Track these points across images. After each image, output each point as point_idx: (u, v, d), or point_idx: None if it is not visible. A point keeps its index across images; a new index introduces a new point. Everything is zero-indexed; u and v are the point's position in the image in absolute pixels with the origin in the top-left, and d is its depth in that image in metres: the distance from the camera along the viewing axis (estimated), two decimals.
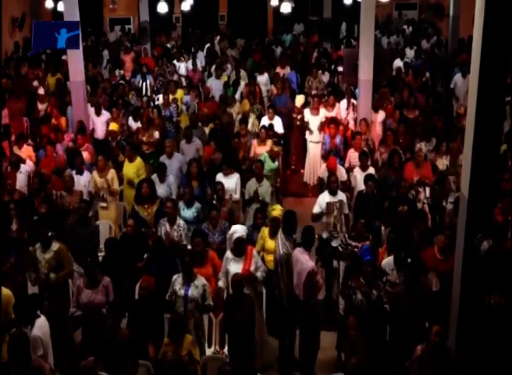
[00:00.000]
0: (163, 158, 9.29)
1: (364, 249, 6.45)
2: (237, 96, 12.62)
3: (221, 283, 6.64)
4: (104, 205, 8.66)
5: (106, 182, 8.68)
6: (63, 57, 14.15)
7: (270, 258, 6.92)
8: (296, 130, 11.26)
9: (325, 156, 10.17)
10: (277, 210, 7.20)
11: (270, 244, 7.00)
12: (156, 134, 10.31)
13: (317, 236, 7.18)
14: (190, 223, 7.77)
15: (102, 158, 8.90)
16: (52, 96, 12.23)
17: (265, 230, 7.21)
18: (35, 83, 13.37)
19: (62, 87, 12.78)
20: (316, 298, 6.52)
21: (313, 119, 10.85)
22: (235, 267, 6.51)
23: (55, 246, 6.76)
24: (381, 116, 10.74)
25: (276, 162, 9.49)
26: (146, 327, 6.04)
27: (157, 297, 6.20)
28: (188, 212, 7.92)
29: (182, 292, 6.16)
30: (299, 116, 11.13)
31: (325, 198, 7.96)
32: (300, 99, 11.42)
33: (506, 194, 7.53)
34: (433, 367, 5.46)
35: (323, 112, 10.91)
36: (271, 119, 10.85)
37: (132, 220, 7.42)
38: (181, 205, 7.98)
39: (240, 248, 6.55)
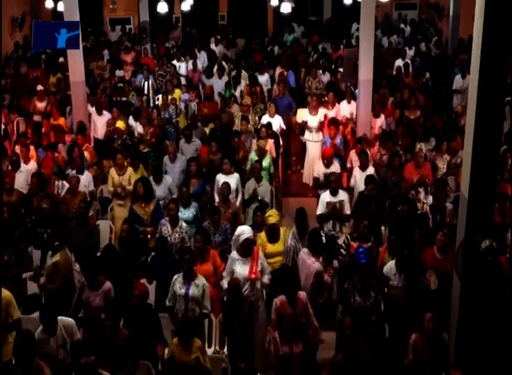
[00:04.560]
0: (166, 161, 9.22)
1: (359, 252, 6.42)
2: (237, 94, 12.63)
3: (225, 283, 6.55)
4: (122, 202, 8.57)
5: (124, 181, 8.63)
6: (60, 59, 14.18)
7: (271, 260, 6.96)
8: (296, 132, 11.28)
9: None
10: (274, 216, 7.19)
11: (270, 248, 7.06)
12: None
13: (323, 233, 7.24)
14: (189, 224, 7.76)
15: (121, 157, 8.78)
16: (52, 95, 12.23)
17: (262, 236, 7.20)
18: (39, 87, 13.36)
19: (62, 86, 12.81)
20: (325, 297, 6.56)
21: (311, 119, 10.83)
22: (241, 268, 6.51)
23: (56, 257, 6.75)
24: (380, 121, 10.72)
25: (265, 161, 9.13)
26: (142, 330, 5.98)
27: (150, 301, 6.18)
28: (187, 213, 7.90)
29: (182, 291, 6.17)
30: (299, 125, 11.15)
31: (325, 197, 8.01)
32: (300, 114, 11.19)
33: (506, 195, 7.53)
34: (428, 355, 5.49)
35: (322, 112, 10.91)
36: (272, 116, 10.87)
37: (126, 226, 7.31)
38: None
39: (247, 248, 6.56)
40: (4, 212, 7.50)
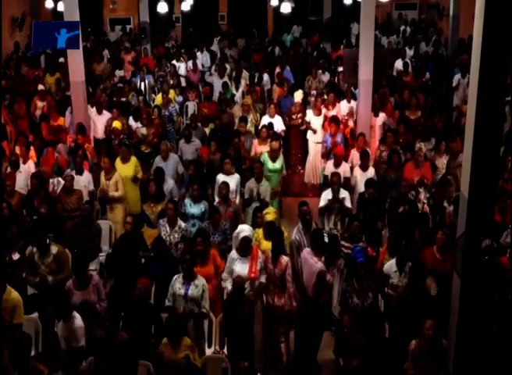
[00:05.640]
0: (158, 161, 9.16)
1: (356, 251, 6.43)
2: (239, 94, 12.62)
3: (228, 285, 6.57)
4: (111, 206, 8.60)
5: (110, 186, 8.57)
6: (61, 59, 14.16)
7: None
8: (295, 130, 11.25)
9: (325, 155, 10.19)
10: (271, 214, 7.20)
11: (265, 245, 7.03)
12: (143, 130, 10.36)
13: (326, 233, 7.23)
14: (196, 219, 7.81)
15: (108, 161, 8.71)
16: (50, 96, 12.21)
17: (259, 232, 7.22)
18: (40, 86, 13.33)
19: (62, 86, 12.80)
20: (326, 297, 6.55)
21: (315, 120, 10.84)
22: (241, 267, 6.51)
23: (55, 249, 6.69)
24: (380, 119, 10.73)
25: (278, 163, 9.20)
26: (142, 328, 6.00)
27: (151, 300, 6.18)
28: (195, 208, 7.89)
29: (182, 291, 6.17)
30: (299, 115, 11.11)
31: (327, 195, 8.04)
32: (298, 95, 11.34)
33: (506, 192, 7.54)
34: (427, 361, 5.49)
35: (324, 112, 10.91)
36: (272, 116, 10.87)
37: (131, 218, 7.38)
38: (187, 201, 7.98)
39: (246, 247, 6.57)
40: (4, 208, 7.49)
